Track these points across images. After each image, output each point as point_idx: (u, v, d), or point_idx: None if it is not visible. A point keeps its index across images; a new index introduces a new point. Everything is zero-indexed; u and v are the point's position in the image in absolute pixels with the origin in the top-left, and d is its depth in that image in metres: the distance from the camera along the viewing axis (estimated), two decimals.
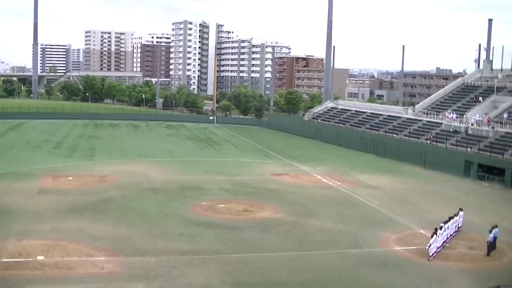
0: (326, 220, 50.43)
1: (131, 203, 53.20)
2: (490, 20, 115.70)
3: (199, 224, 46.93)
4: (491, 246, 42.19)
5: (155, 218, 48.35)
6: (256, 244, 42.05)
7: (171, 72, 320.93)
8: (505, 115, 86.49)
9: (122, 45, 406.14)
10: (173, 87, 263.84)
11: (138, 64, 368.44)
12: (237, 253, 39.50)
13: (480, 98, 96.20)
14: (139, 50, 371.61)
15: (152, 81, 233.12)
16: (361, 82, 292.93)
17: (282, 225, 48.01)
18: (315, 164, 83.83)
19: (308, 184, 67.41)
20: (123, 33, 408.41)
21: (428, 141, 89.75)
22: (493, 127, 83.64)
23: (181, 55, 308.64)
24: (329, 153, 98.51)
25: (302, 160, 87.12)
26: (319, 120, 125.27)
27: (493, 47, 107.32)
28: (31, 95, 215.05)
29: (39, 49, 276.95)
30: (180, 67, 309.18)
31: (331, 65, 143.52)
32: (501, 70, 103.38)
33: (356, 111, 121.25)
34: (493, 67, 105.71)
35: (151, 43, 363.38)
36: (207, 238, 42.96)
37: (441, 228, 42.27)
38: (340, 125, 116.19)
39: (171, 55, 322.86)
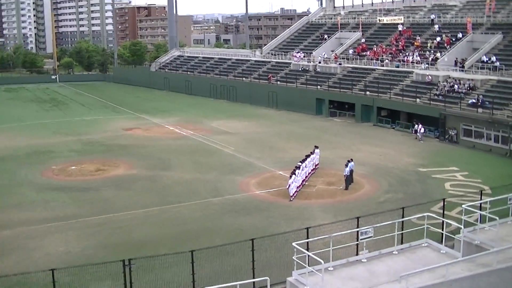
0: (183, 171, 50.10)
1: None
2: None
3: (52, 189, 44.97)
4: (348, 179, 43.68)
5: (4, 188, 45.59)
6: (114, 204, 40.97)
7: (5, 32, 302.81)
8: (350, 51, 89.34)
9: None
10: (8, 48, 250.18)
11: None
12: (95, 215, 38.25)
13: (326, 36, 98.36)
14: None
15: None
16: (206, 28, 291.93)
17: (139, 181, 47.19)
18: (166, 115, 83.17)
19: (161, 136, 66.85)
20: None
21: (269, 82, 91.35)
22: (340, 64, 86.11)
23: (14, 12, 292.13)
24: (179, 103, 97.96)
25: (153, 113, 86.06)
26: (166, 70, 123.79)
27: None
28: None
29: None
30: (15, 25, 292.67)
31: (174, 12, 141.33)
32: (343, 7, 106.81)
33: (203, 57, 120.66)
34: (335, 5, 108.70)
35: None
36: (62, 203, 41.31)
37: (299, 167, 42.94)
38: (189, 73, 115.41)
39: (3, 13, 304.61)
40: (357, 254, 23.28)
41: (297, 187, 42.09)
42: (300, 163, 43.94)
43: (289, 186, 40.73)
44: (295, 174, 41.43)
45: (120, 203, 41.14)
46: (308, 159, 46.11)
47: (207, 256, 26.33)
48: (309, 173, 46.05)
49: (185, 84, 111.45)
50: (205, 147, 60.25)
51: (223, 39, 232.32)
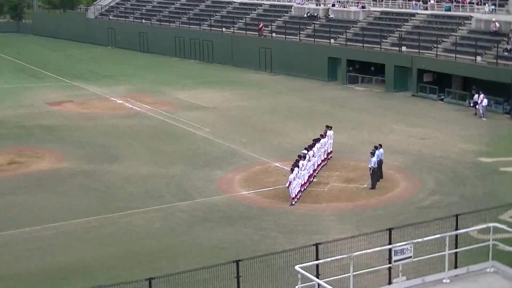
0: (136, 163, 49.96)
1: None
2: None
3: None
4: (376, 174, 43.35)
5: None
6: (35, 212, 40.46)
7: None
8: None
9: None
10: None
11: None
12: (5, 230, 37.56)
13: None
14: None
15: None
16: None
17: (72, 178, 46.92)
18: (111, 83, 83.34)
19: (105, 113, 67.00)
20: None
21: (260, 35, 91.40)
22: (363, 7, 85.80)
23: None
24: (131, 65, 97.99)
25: (92, 79, 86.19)
26: (110, 17, 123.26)
27: None
28: None
29: None
30: None
31: None
32: None
33: None
34: None
35: None
36: None
37: (304, 157, 42.68)
38: (144, 21, 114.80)
39: None
40: (389, 283, 23.35)
41: (302, 186, 41.81)
42: (305, 151, 43.70)
43: (289, 184, 40.30)
44: (298, 166, 41.08)
45: (43, 211, 40.68)
46: (317, 146, 45.78)
47: (171, 285, 25.90)
48: (318, 166, 45.88)
49: (139, 38, 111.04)
50: (169, 128, 60.30)
51: None
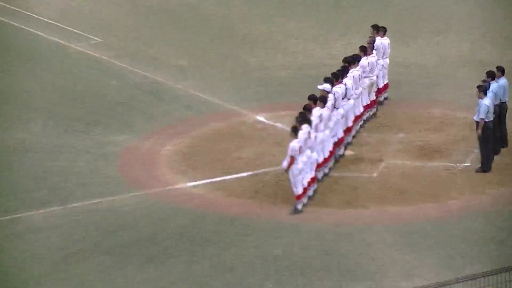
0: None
1: None
2: None
3: None
4: (492, 137, 34.14)
5: None
6: None
7: None
8: None
9: None
10: None
11: None
12: None
13: None
14: None
15: None
16: None
17: None
18: None
19: None
20: None
21: None
22: None
23: None
24: None
25: None
26: None
27: None
28: None
29: None
30: None
31: None
32: None
33: None
34: None
35: None
36: None
37: (324, 101, 33.64)
38: None
39: None
40: None
41: (318, 166, 32.81)
42: (326, 86, 32.93)
43: (290, 163, 30.67)
44: (307, 121, 31.64)
45: None
46: (354, 73, 36.49)
47: None
48: (358, 118, 37.26)
49: None
50: (8, 37, 54.41)
51: None
